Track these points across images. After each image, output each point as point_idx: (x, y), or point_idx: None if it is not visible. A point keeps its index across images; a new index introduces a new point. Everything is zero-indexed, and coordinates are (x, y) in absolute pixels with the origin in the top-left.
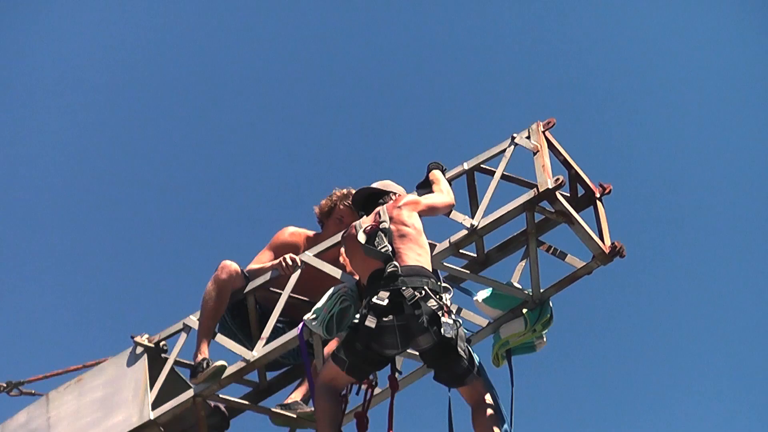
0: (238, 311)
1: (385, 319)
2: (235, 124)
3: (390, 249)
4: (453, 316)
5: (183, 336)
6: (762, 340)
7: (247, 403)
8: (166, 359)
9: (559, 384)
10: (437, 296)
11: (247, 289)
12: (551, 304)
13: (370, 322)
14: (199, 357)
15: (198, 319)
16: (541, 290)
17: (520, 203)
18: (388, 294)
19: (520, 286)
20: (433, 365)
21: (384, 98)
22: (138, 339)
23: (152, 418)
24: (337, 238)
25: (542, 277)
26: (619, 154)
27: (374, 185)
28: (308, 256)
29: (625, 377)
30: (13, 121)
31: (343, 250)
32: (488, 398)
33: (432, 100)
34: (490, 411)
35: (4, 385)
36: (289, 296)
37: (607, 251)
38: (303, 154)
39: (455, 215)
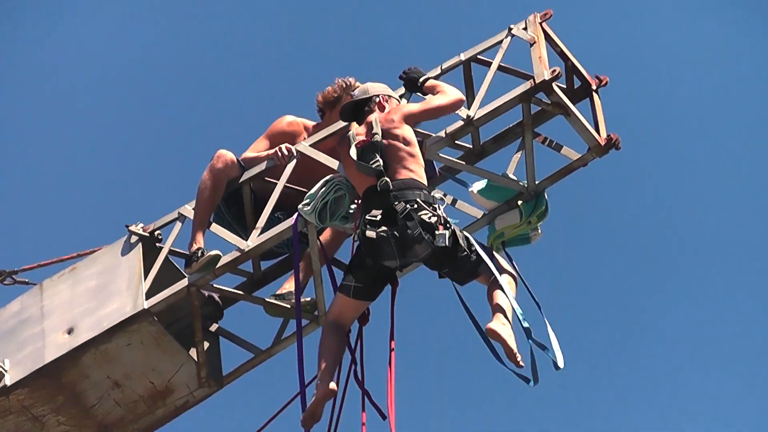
0: (233, 201)
1: (380, 230)
2: (234, 8)
3: (381, 164)
4: (448, 226)
5: (178, 225)
6: (756, 230)
7: (241, 293)
8: (160, 249)
9: (554, 275)
10: (431, 207)
11: (243, 178)
12: (546, 196)
13: (370, 232)
14: (194, 246)
15: (193, 209)
16: (537, 182)
17: (517, 94)
18: (380, 211)
19: (516, 178)
20: (440, 270)
21: None
22: (133, 228)
23: (146, 307)
24: (334, 128)
25: (537, 169)
26: (616, 46)
27: (355, 93)
28: (304, 146)
29: (619, 267)
30: None
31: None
32: (506, 275)
33: None
34: (506, 279)
35: None
36: (286, 186)
37: (602, 143)
38: (298, 43)
39: None
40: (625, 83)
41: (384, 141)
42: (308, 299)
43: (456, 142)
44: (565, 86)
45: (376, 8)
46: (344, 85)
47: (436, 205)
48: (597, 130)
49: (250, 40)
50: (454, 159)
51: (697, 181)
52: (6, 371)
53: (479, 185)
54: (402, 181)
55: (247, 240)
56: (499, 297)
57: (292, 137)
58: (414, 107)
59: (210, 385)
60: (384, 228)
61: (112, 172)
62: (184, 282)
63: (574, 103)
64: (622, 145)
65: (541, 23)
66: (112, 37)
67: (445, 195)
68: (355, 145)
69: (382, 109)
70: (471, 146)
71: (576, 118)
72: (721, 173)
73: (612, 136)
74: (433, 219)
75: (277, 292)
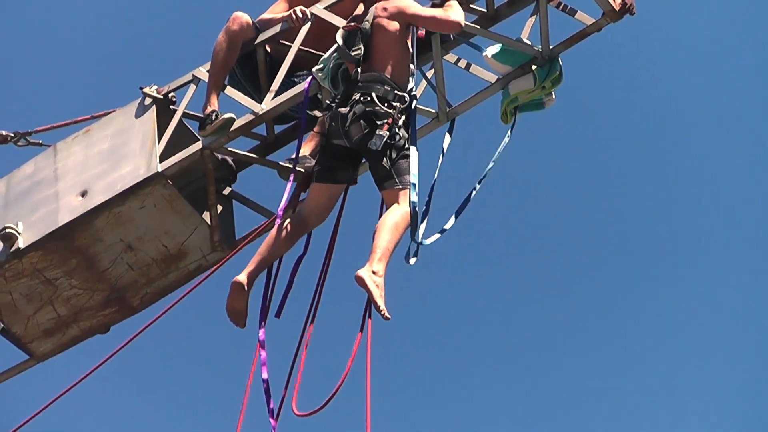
0: (248, 64)
1: (325, 110)
2: None
3: (361, 54)
4: (395, 129)
5: (192, 88)
6: None
7: (255, 156)
8: (174, 111)
9: (565, 141)
10: (385, 104)
11: (258, 41)
12: (560, 61)
13: (317, 111)
14: (208, 109)
15: (208, 71)
16: (551, 47)
17: None
18: (340, 98)
19: (530, 43)
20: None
21: None
22: (147, 90)
23: (160, 170)
24: None
25: (552, 34)
26: None
27: None
28: (319, 9)
29: (628, 134)
30: None
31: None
32: (401, 209)
33: None
34: (396, 214)
35: (12, 135)
36: (302, 50)
37: (617, 8)
38: None
39: None
40: None
41: (372, 29)
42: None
43: (470, 6)
44: None
45: None
46: None
47: (396, 103)
48: None
49: None
50: (468, 23)
51: (712, 43)
52: (19, 234)
53: (493, 50)
54: (370, 74)
55: (261, 103)
56: (382, 230)
57: (311, 1)
58: (412, 7)
59: (223, 249)
60: (332, 108)
61: (126, 33)
62: (198, 145)
63: None
64: (636, 10)
65: None
66: None
67: (458, 60)
68: (344, 28)
69: None
70: (485, 10)
71: None
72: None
73: (626, 1)
74: (380, 113)
75: (292, 156)
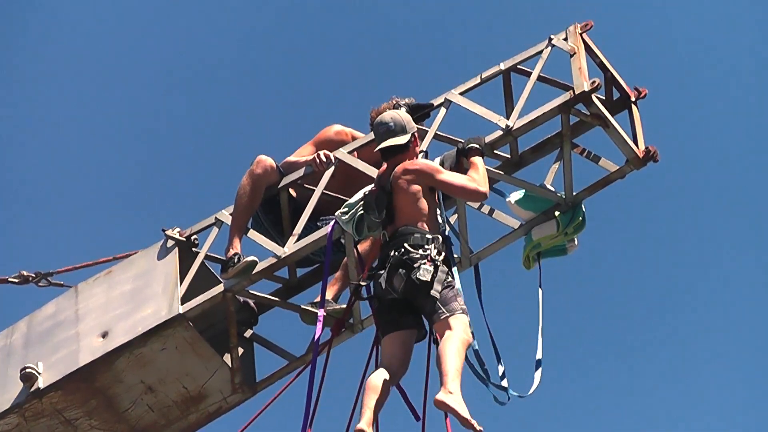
0: (271, 207)
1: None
2: (280, 14)
3: (383, 218)
4: (436, 264)
5: (215, 230)
6: None
7: (276, 299)
8: (196, 253)
9: (590, 287)
10: (419, 248)
11: (281, 184)
12: (584, 208)
13: (361, 280)
14: (231, 252)
15: (231, 214)
16: (574, 193)
17: (556, 105)
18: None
19: (553, 189)
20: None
21: None
22: (169, 232)
23: (181, 312)
24: (372, 135)
25: (575, 180)
26: (655, 58)
27: (389, 122)
28: (342, 153)
29: (656, 280)
30: None
31: None
32: (455, 335)
33: None
34: (454, 341)
35: (33, 276)
36: (325, 194)
37: (641, 155)
38: (344, 52)
39: (490, 116)
40: (665, 96)
41: (393, 189)
42: (338, 307)
43: (494, 151)
44: (604, 97)
45: (418, 16)
46: (399, 105)
47: (429, 246)
48: (635, 142)
49: (294, 45)
50: (492, 168)
51: (736, 192)
52: (40, 374)
53: (517, 195)
54: (398, 230)
55: (284, 246)
56: (446, 356)
57: (338, 146)
58: (434, 174)
59: (243, 392)
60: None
61: (149, 175)
62: (220, 287)
63: (612, 115)
64: (660, 157)
65: (581, 34)
66: (153, 38)
67: (481, 205)
68: (371, 191)
69: (412, 149)
70: (509, 156)
71: (614, 130)
72: (761, 188)
73: (650, 148)
74: (415, 257)
75: (314, 300)
